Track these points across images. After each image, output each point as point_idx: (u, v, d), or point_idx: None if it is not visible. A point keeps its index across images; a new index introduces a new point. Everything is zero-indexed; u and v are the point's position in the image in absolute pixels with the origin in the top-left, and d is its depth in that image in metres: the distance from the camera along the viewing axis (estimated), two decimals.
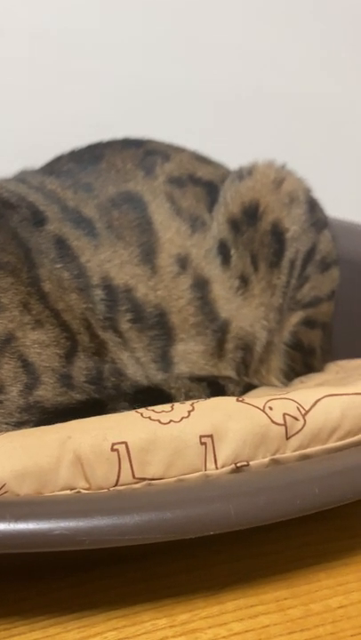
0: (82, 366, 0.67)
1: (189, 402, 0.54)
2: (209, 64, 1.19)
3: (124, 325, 0.72)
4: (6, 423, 0.60)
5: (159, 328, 0.75)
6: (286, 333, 0.84)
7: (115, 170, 0.83)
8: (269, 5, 1.22)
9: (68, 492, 0.49)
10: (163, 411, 0.52)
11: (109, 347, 0.70)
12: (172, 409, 0.53)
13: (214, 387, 0.75)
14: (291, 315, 0.84)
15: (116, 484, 0.49)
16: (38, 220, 0.71)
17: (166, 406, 0.53)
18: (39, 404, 0.62)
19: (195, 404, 0.53)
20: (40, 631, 0.45)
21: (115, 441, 0.49)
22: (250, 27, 1.22)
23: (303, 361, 0.86)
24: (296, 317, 0.85)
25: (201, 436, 0.51)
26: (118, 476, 0.49)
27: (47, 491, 0.49)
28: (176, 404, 0.54)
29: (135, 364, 0.72)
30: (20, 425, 0.60)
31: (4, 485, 0.48)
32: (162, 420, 0.51)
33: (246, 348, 0.80)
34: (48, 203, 0.74)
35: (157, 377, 0.73)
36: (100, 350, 0.69)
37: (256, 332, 0.81)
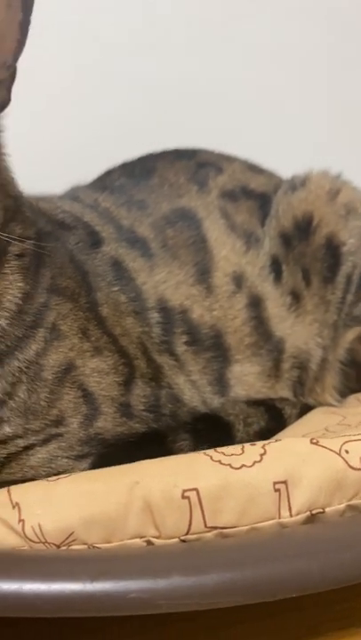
0: (140, 394, 0.65)
1: (260, 443, 0.52)
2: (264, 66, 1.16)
3: (180, 348, 0.70)
4: (67, 457, 0.58)
5: (215, 349, 0.72)
6: (341, 350, 0.81)
7: (168, 184, 0.80)
8: None
9: (137, 540, 0.47)
10: (233, 454, 0.50)
11: (165, 371, 0.69)
12: (243, 451, 0.51)
13: (272, 411, 0.73)
14: (346, 331, 0.81)
15: (187, 533, 0.47)
16: (94, 241, 0.69)
17: (237, 448, 0.51)
18: (99, 436, 0.60)
19: (266, 447, 0.51)
20: None
21: (186, 487, 0.48)
22: None
23: (358, 378, 0.84)
24: (352, 334, 0.82)
25: (275, 483, 0.49)
26: (190, 525, 0.47)
27: (116, 539, 0.47)
28: (246, 446, 0.52)
29: (192, 389, 0.70)
30: (80, 458, 0.59)
31: (71, 534, 0.46)
32: (233, 465, 0.49)
33: (302, 366, 0.78)
34: (103, 222, 0.72)
35: (214, 401, 0.71)
36: (156, 375, 0.67)
37: (311, 350, 0.78)
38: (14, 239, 0.57)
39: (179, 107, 1.16)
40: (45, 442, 0.57)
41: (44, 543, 0.46)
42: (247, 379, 0.74)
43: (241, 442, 0.60)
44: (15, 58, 0.54)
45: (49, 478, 0.52)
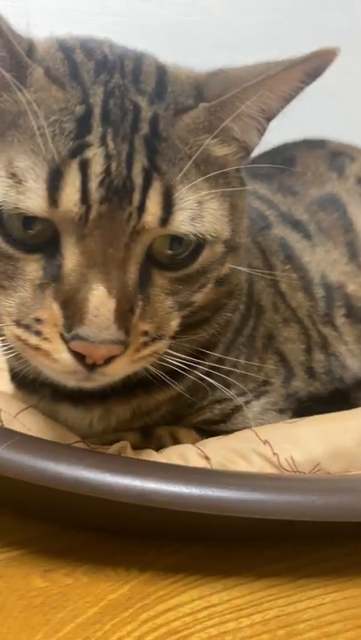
0: (318, 359, 0.74)
1: None
2: None
3: (339, 320, 0.79)
4: (274, 410, 0.68)
5: None
6: None
7: (311, 172, 0.89)
8: None
9: None
10: None
11: (330, 340, 0.78)
12: None
13: None
14: None
15: None
16: (266, 224, 0.78)
17: None
18: (296, 394, 0.70)
19: None
20: None
21: None
22: None
23: None
24: None
25: None
26: None
27: (354, 469, 0.57)
28: None
29: (351, 357, 0.79)
30: (282, 412, 0.69)
31: (318, 464, 0.56)
32: None
33: None
34: (267, 207, 0.81)
35: None
36: (325, 344, 0.77)
37: None
38: None
39: None
40: (258, 397, 0.67)
41: (295, 472, 0.56)
42: None
43: None
44: None
45: (286, 421, 0.61)
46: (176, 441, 0.63)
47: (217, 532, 0.58)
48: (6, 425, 0.61)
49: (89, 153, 0.47)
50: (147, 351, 0.51)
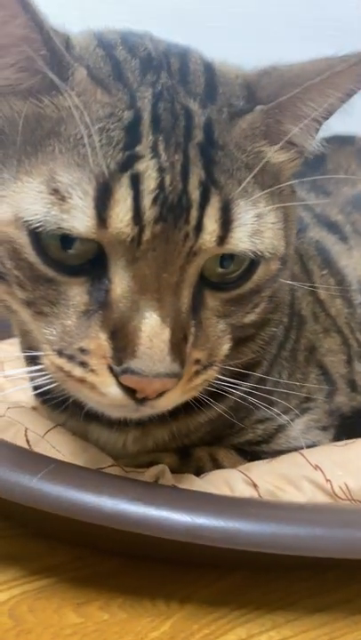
0: (359, 370, 0.70)
1: None
2: None
3: None
4: (317, 428, 0.64)
5: None
6: None
7: (342, 170, 0.85)
8: None
9: None
10: None
11: None
12: None
13: None
14: None
15: None
16: (302, 227, 0.74)
17: None
18: (339, 410, 0.66)
19: None
20: None
21: None
22: None
23: None
24: None
25: None
26: None
27: None
28: None
29: None
30: (325, 429, 0.65)
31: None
32: None
33: None
34: (301, 209, 0.77)
35: None
36: None
37: None
38: None
39: None
40: (301, 414, 0.63)
41: (350, 500, 0.52)
42: None
43: None
44: None
45: (336, 443, 0.57)
46: (215, 462, 0.60)
47: (262, 562, 0.54)
48: (33, 446, 0.57)
49: (140, 166, 0.42)
50: (198, 380, 0.47)
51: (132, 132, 0.43)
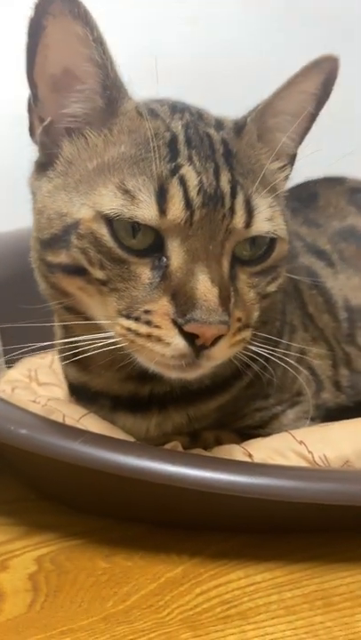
0: (343, 374, 0.83)
1: None
2: None
3: None
4: (305, 418, 0.77)
5: None
6: None
7: (332, 207, 0.99)
8: None
9: None
10: None
11: (352, 358, 0.86)
12: None
13: None
14: None
15: None
16: (294, 254, 0.88)
17: None
18: (325, 405, 0.78)
19: None
20: None
21: None
22: None
23: None
24: None
25: None
26: None
27: None
28: None
29: None
30: (313, 420, 0.77)
31: (347, 461, 0.65)
32: None
33: None
34: (294, 239, 0.90)
35: None
36: (348, 361, 0.85)
37: None
38: None
39: None
40: (292, 406, 0.76)
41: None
42: None
43: None
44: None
45: (320, 424, 0.70)
46: (220, 443, 0.72)
47: (260, 523, 0.66)
48: None
49: (183, 170, 0.58)
50: (240, 336, 0.60)
51: (173, 148, 0.60)
